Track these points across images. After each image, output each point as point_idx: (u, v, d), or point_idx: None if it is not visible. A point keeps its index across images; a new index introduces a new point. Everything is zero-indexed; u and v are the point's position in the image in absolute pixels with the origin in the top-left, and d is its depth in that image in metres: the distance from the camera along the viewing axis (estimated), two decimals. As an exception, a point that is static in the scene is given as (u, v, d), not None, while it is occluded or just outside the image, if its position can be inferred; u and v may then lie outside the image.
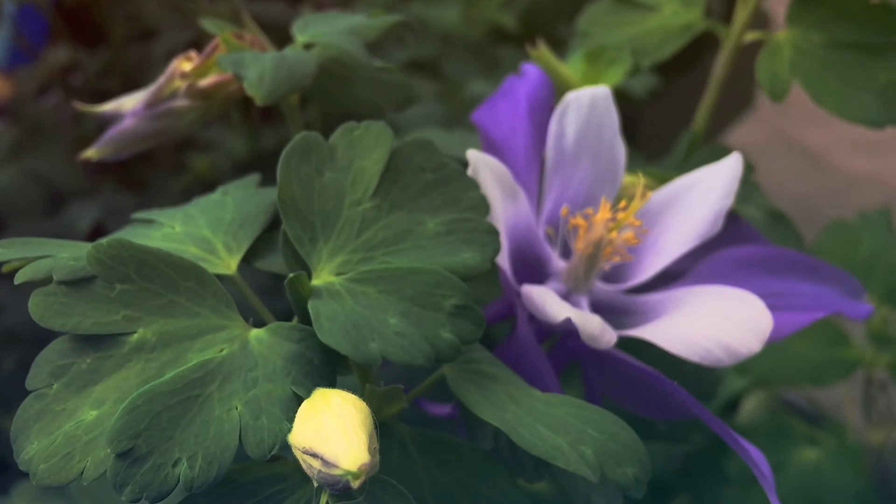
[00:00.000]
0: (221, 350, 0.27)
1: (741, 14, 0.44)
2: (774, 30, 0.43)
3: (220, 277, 0.30)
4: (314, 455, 0.23)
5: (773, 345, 0.34)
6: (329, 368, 0.28)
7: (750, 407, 0.59)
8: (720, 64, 0.44)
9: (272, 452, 0.26)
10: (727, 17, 0.46)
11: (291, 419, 0.26)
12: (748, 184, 0.44)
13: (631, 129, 0.40)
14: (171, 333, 0.28)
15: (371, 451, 0.23)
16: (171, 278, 0.28)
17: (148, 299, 0.28)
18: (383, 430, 0.29)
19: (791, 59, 0.42)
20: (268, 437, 0.26)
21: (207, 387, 0.27)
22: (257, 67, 0.34)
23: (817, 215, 0.49)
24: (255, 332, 0.28)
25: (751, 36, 0.44)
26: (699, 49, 0.95)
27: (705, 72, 0.47)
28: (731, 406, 0.59)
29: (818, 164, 1.19)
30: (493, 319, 0.39)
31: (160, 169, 0.84)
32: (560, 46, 0.48)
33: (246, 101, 0.80)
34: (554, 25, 0.73)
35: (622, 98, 0.40)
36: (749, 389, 0.59)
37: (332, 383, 0.28)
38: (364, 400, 0.28)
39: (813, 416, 0.66)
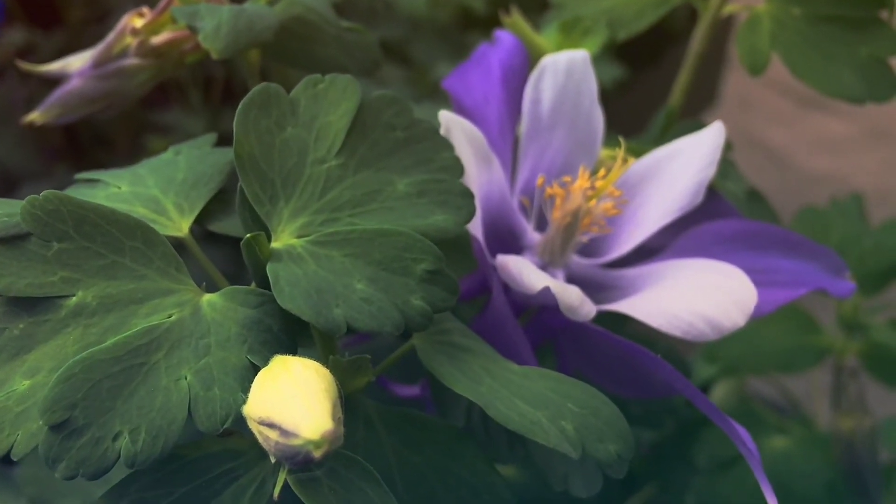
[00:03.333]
0: (170, 315, 0.25)
1: (719, -13, 0.42)
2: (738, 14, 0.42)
3: (171, 240, 0.27)
4: (271, 425, 0.20)
5: (743, 331, 0.32)
6: (289, 336, 0.25)
7: (719, 395, 0.57)
8: (697, 37, 0.42)
9: (225, 426, 0.23)
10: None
11: (247, 390, 0.23)
12: (725, 161, 0.42)
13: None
14: (114, 297, 0.25)
15: (335, 419, 0.21)
16: (114, 237, 0.25)
17: (88, 259, 0.25)
18: (348, 406, 0.27)
19: (771, 31, 0.40)
20: (220, 408, 0.23)
21: (153, 354, 0.24)
22: (214, 19, 0.31)
23: (778, 212, 0.48)
24: (207, 297, 0.25)
25: (729, 8, 0.42)
26: (665, 43, 0.94)
27: (671, 66, 0.46)
28: (701, 394, 0.57)
29: (779, 162, 1.19)
30: (467, 293, 0.36)
31: (117, 152, 0.80)
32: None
33: (206, 83, 0.76)
34: (525, 12, 0.71)
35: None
36: (718, 377, 0.57)
37: (292, 352, 0.25)
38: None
39: (781, 405, 0.64)
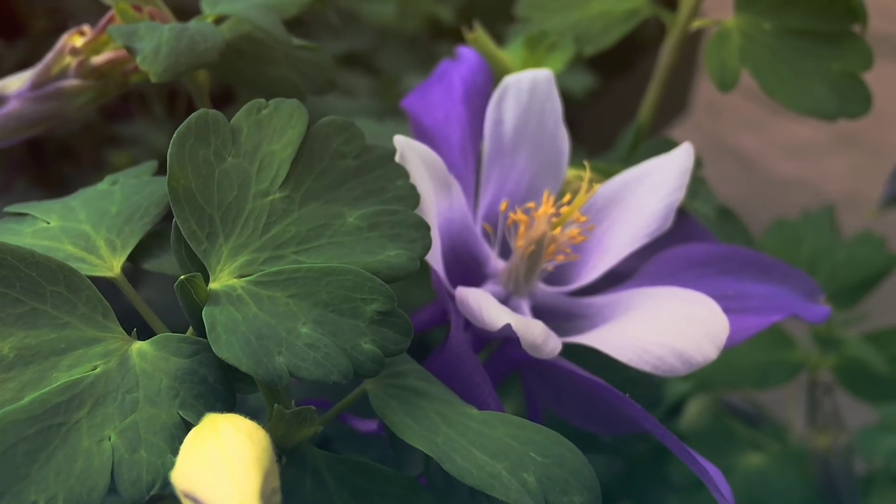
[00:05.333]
0: (94, 367, 0.22)
1: (688, 0, 0.40)
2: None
3: (101, 281, 0.24)
4: (195, 501, 0.18)
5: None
6: (226, 388, 0.23)
7: (693, 411, 0.55)
8: (666, 52, 0.40)
9: (152, 493, 0.20)
10: (672, 4, 0.42)
11: (176, 451, 0.21)
12: (695, 179, 0.40)
13: (568, 130, 0.36)
14: (34, 348, 0.22)
15: (266, 494, 0.18)
16: (34, 282, 0.22)
17: (5, 307, 0.22)
18: (294, 458, 0.24)
19: (740, 46, 0.38)
20: (146, 473, 0.21)
21: (75, 413, 0.21)
22: (153, 39, 0.28)
23: (748, 217, 0.46)
24: (137, 346, 0.23)
25: (698, 23, 0.40)
26: (636, 52, 0.92)
27: (642, 75, 0.44)
28: (675, 410, 0.56)
29: (749, 168, 1.17)
30: (427, 324, 0.34)
31: (82, 166, 0.77)
32: (500, 44, 0.44)
33: (170, 95, 0.73)
34: (493, 22, 0.69)
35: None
36: (692, 393, 0.55)
37: (230, 405, 0.23)
38: (270, 423, 0.23)
39: (753, 417, 0.63)
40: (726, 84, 0.38)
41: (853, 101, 0.37)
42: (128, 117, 0.71)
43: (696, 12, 0.40)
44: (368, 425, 0.34)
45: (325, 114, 0.27)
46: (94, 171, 0.73)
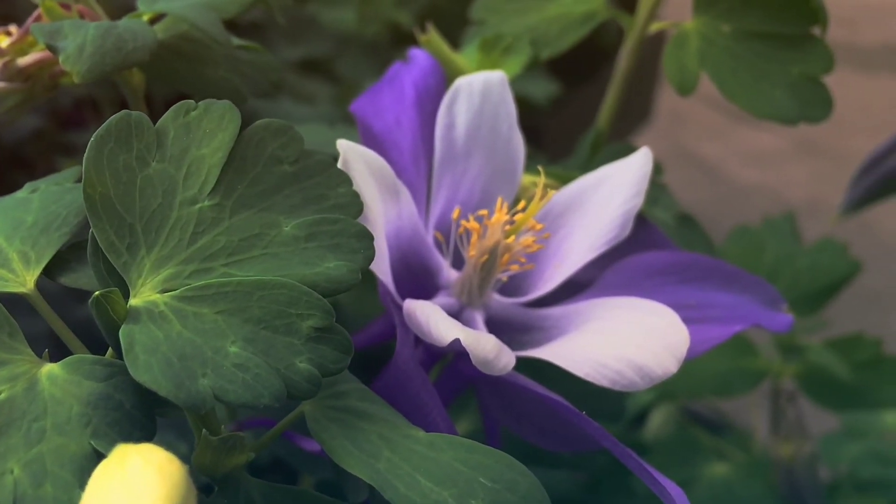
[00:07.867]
0: (-2, 393, 0.20)
1: (646, 2, 0.38)
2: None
3: (12, 297, 0.22)
4: (94, 545, 0.16)
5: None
6: (145, 414, 0.20)
7: (657, 421, 0.53)
8: (624, 55, 0.39)
9: (56, 532, 0.18)
10: (631, 7, 0.40)
11: (86, 484, 0.18)
12: (656, 185, 0.38)
13: (530, 139, 0.34)
14: (-71, 373, 0.20)
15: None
16: (-69, 299, 0.20)
17: None
18: (225, 486, 0.22)
19: (699, 50, 0.37)
20: (50, 511, 0.18)
21: (-27, 444, 0.19)
22: (77, 38, 0.26)
23: (710, 224, 0.45)
24: (47, 369, 0.20)
25: (656, 26, 0.38)
26: (600, 60, 0.90)
27: (606, 83, 0.42)
28: (639, 420, 0.54)
29: (712, 175, 1.17)
30: (379, 338, 0.32)
31: (37, 174, 0.74)
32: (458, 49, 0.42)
33: (124, 103, 0.71)
34: (455, 27, 0.67)
35: (521, 106, 0.35)
36: (655, 402, 0.53)
37: (149, 433, 0.20)
38: (196, 451, 0.21)
39: (717, 425, 0.61)
40: (685, 88, 0.37)
41: (813, 104, 0.36)
42: (81, 125, 0.69)
43: (654, 15, 0.39)
44: (315, 444, 0.31)
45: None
46: (47, 179, 0.70)
